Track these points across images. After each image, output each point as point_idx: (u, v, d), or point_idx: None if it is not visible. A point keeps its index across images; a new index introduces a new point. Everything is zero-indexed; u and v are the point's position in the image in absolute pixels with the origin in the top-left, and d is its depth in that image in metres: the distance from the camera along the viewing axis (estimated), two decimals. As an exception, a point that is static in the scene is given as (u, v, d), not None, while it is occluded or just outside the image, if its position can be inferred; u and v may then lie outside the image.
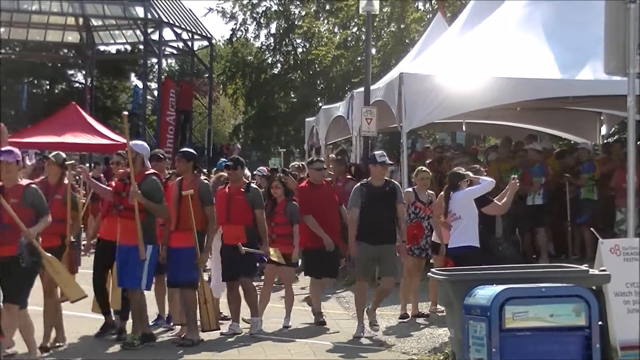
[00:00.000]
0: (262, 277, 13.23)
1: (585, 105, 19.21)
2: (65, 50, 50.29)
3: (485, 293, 7.37)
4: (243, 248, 11.65)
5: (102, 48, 47.40)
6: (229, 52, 49.48)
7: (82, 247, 12.50)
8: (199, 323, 11.46)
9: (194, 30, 41.17)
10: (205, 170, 14.94)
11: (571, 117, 21.11)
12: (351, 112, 19.17)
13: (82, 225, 18.26)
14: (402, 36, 38.64)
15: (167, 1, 40.96)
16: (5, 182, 9.67)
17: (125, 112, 12.44)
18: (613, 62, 9.71)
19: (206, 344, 11.25)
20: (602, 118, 21.09)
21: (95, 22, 43.42)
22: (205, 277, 12.04)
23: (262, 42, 45.91)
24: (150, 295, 11.82)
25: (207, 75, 43.56)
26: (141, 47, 42.23)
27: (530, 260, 16.30)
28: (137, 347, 10.82)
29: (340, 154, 18.24)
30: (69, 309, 11.10)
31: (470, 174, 12.15)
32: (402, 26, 39.18)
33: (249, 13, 44.98)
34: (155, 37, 39.94)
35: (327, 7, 43.73)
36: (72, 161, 11.48)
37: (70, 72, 54.02)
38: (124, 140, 11.40)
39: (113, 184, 11.76)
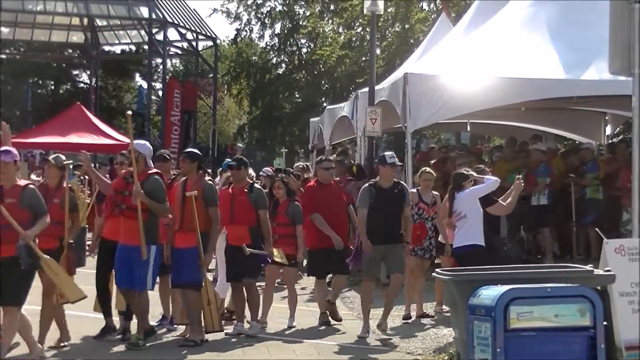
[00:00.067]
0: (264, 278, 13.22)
1: (589, 105, 19.20)
2: (70, 51, 50.30)
3: (490, 293, 7.37)
4: (247, 249, 11.64)
5: (106, 48, 47.43)
6: (233, 52, 49.51)
7: (87, 248, 12.50)
8: (202, 324, 11.45)
9: (198, 30, 41.18)
10: (210, 171, 14.94)
11: (576, 117, 21.09)
12: (356, 112, 19.16)
13: (87, 226, 18.39)
14: (407, 36, 38.66)
15: (172, 1, 40.98)
16: (3, 182, 9.61)
17: (129, 112, 12.42)
18: (618, 62, 9.69)
19: (210, 344, 11.24)
20: (606, 118, 21.06)
21: (99, 23, 43.45)
22: (210, 277, 12.04)
23: (266, 43, 46.02)
24: (154, 296, 11.82)
25: (211, 75, 43.56)
26: (146, 47, 42.26)
27: (534, 260, 16.30)
28: (141, 348, 10.81)
29: (341, 154, 18.24)
30: (71, 308, 11.08)
31: (474, 174, 12.15)
32: (406, 26, 39.21)
33: (253, 13, 45.03)
34: (159, 37, 39.97)
35: (332, 7, 43.76)
36: (71, 161, 11.39)
37: (75, 72, 54.03)
38: (128, 140, 11.38)
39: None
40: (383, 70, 33.43)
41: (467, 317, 7.59)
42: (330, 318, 12.74)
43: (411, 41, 37.23)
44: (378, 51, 36.54)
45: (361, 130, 18.44)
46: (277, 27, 45.00)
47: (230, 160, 14.27)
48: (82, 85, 53.29)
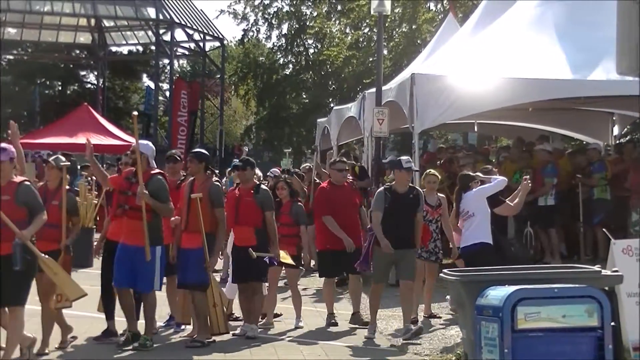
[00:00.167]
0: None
1: (597, 105, 19.18)
2: (77, 51, 50.39)
3: (497, 294, 7.36)
4: (254, 253, 11.62)
5: (114, 49, 47.51)
6: (240, 52, 49.58)
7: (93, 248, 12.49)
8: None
9: (205, 31, 41.21)
10: (217, 172, 14.93)
11: (583, 117, 21.07)
12: (363, 112, 19.15)
13: (95, 226, 18.42)
14: (414, 37, 38.66)
15: (179, 2, 41.01)
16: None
17: (135, 112, 12.41)
18: (625, 62, 9.65)
19: (217, 344, 11.24)
20: (614, 118, 21.03)
21: (107, 23, 43.51)
22: (218, 278, 12.03)
23: (273, 43, 46.10)
24: (161, 296, 11.82)
25: (218, 76, 43.60)
26: (153, 47, 42.28)
27: (542, 261, 16.28)
28: (149, 348, 10.80)
29: (343, 156, 18.24)
30: (73, 309, 11.02)
31: (480, 175, 12.14)
32: (413, 27, 39.21)
33: (260, 14, 45.08)
34: (167, 37, 40.00)
35: (339, 7, 43.78)
36: (68, 162, 11.32)
37: (82, 73, 54.14)
38: (134, 141, 11.35)
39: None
40: (390, 71, 33.44)
41: (474, 318, 7.58)
42: (358, 324, 12.62)
43: (418, 41, 37.24)
44: (385, 52, 36.54)
45: (368, 131, 18.44)
46: (284, 28, 45.12)
47: (237, 160, 14.26)
48: (89, 85, 53.41)
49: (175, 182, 12.09)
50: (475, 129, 23.64)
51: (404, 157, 12.16)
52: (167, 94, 42.41)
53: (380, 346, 11.39)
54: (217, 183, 11.78)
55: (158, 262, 10.88)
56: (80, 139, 28.99)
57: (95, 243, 12.89)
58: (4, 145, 9.60)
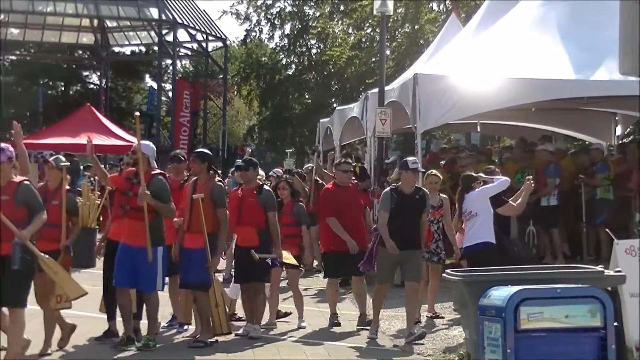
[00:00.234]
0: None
1: (600, 105, 19.16)
2: (80, 52, 50.49)
3: (500, 294, 7.36)
4: (256, 255, 11.59)
5: (116, 49, 47.59)
6: (243, 53, 49.58)
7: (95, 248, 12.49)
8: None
9: (208, 31, 41.25)
10: (220, 172, 14.92)
11: (586, 117, 21.05)
12: (365, 112, 19.14)
13: (98, 227, 18.42)
14: (417, 37, 38.63)
15: (182, 2, 41.04)
16: None
17: (137, 113, 12.41)
18: (628, 63, 9.65)
19: (220, 344, 11.24)
20: (617, 118, 21.01)
21: (109, 24, 43.59)
22: (220, 278, 12.02)
23: (276, 43, 46.13)
24: (164, 296, 11.81)
25: (221, 76, 43.63)
26: (155, 48, 42.39)
27: (544, 261, 16.27)
28: (152, 348, 10.80)
29: (344, 157, 18.22)
30: (74, 309, 11.02)
31: (483, 175, 12.14)
32: (416, 27, 39.19)
33: (263, 14, 45.07)
34: (169, 38, 40.05)
35: (341, 8, 43.76)
36: (68, 163, 11.32)
37: (85, 73, 54.24)
38: (136, 141, 11.34)
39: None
40: (393, 71, 33.44)
41: (477, 318, 7.58)
42: (365, 326, 12.56)
43: (421, 42, 37.22)
44: (388, 52, 36.51)
45: (371, 131, 18.43)
46: (287, 28, 45.11)
47: (240, 161, 14.26)
48: (92, 86, 53.49)
49: (179, 182, 12.09)
50: (478, 129, 23.64)
51: (410, 158, 12.13)
52: (170, 94, 42.47)
53: (384, 347, 11.37)
54: (220, 183, 11.76)
55: (160, 262, 10.86)
56: (83, 140, 28.93)
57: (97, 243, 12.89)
58: (3, 145, 9.59)
